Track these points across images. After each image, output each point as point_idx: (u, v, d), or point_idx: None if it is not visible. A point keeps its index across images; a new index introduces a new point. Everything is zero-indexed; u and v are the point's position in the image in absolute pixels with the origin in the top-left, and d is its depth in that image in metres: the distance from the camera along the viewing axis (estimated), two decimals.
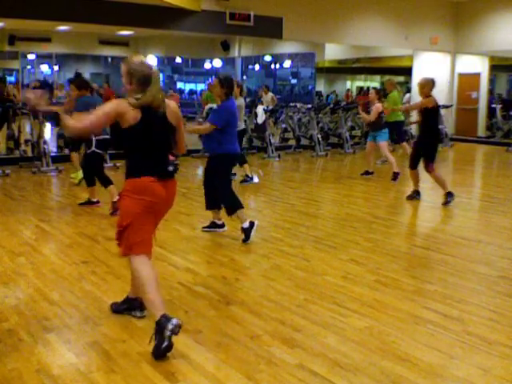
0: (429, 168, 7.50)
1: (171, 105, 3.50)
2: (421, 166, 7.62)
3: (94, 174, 6.93)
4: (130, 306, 3.82)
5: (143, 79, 3.27)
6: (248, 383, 3.00)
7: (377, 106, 9.34)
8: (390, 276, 4.74)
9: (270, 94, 16.74)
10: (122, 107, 3.26)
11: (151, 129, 3.33)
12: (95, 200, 7.12)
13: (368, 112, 9.63)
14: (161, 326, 3.18)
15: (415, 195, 7.88)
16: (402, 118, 11.22)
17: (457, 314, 3.95)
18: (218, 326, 3.70)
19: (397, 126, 10.63)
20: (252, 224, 5.64)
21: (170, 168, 3.45)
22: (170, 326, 3.16)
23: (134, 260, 3.39)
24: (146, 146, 3.36)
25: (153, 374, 3.07)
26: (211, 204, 5.88)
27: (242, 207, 5.70)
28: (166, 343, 3.16)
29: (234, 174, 8.21)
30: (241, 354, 3.31)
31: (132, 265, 3.44)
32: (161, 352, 3.17)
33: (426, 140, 7.51)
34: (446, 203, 7.46)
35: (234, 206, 5.67)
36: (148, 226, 3.41)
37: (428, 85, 7.39)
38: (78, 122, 3.30)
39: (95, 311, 3.90)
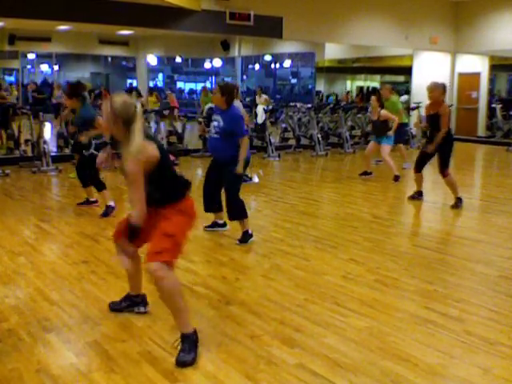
0: (445, 173, 7.37)
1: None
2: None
3: (88, 177, 6.88)
4: (132, 303, 3.83)
5: (128, 119, 3.18)
6: (248, 383, 3.00)
7: (385, 114, 9.28)
8: (389, 276, 4.74)
9: (264, 96, 16.87)
10: (151, 155, 3.20)
11: (165, 154, 3.36)
12: (93, 199, 7.12)
13: (371, 122, 9.46)
14: (194, 339, 3.25)
15: (417, 196, 7.85)
16: (406, 120, 11.23)
17: (457, 314, 3.95)
18: (218, 326, 3.70)
19: (399, 128, 10.57)
20: (251, 235, 5.66)
21: (188, 183, 3.49)
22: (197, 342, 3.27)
23: (163, 267, 3.23)
24: (172, 171, 3.41)
25: (153, 373, 3.07)
26: (211, 207, 5.85)
27: (247, 217, 5.69)
28: (194, 356, 3.21)
29: None
30: (241, 353, 3.31)
31: (160, 272, 3.23)
32: (190, 363, 3.18)
33: (441, 145, 7.29)
34: (455, 206, 7.37)
35: (241, 214, 5.65)
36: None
37: (438, 90, 7.22)
38: (136, 217, 3.20)
39: (95, 311, 3.91)
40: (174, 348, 3.26)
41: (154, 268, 3.18)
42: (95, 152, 6.70)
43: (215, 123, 5.54)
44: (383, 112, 9.28)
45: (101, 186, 6.81)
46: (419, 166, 7.65)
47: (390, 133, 9.28)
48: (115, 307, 3.88)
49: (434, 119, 7.28)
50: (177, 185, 3.41)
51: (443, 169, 7.38)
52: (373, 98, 9.63)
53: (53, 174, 9.68)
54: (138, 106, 3.26)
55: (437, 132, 7.26)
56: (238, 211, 5.64)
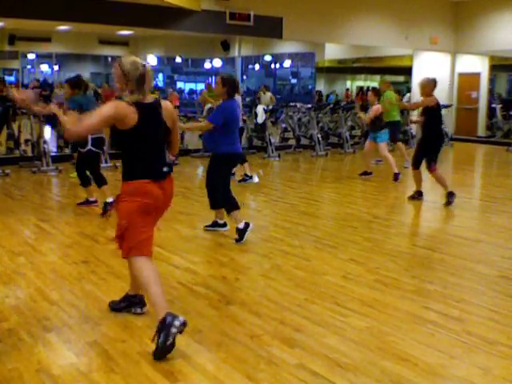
0: (431, 168, 7.49)
1: (168, 106, 3.51)
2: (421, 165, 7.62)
3: (90, 172, 6.94)
4: (130, 303, 3.83)
5: (139, 79, 3.26)
6: (248, 383, 3.00)
7: (376, 107, 9.35)
8: (390, 276, 4.74)
9: (269, 94, 16.74)
10: (121, 110, 3.24)
11: (148, 130, 3.33)
12: (93, 199, 7.12)
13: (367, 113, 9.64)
14: (166, 323, 3.16)
15: (417, 196, 7.86)
16: (398, 118, 11.12)
17: (457, 313, 3.95)
18: (218, 325, 3.70)
19: (392, 127, 10.56)
20: (247, 225, 5.65)
21: (165, 169, 3.43)
22: (176, 323, 3.16)
23: (135, 261, 3.39)
24: (142, 147, 3.36)
25: (153, 373, 3.07)
26: (217, 203, 5.88)
27: (238, 208, 5.70)
28: (170, 340, 3.14)
29: (233, 173, 8.21)
30: (241, 353, 3.31)
31: (132, 266, 3.45)
32: (165, 349, 3.15)
33: (428, 140, 7.51)
34: (448, 203, 7.43)
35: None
36: (146, 227, 3.41)
37: (429, 85, 7.37)
38: (74, 125, 3.29)
39: (95, 311, 3.90)
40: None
41: (131, 262, 3.44)
42: (93, 148, 6.73)
43: None
44: (377, 106, 9.33)
45: (102, 182, 6.84)
46: (416, 162, 7.70)
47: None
48: (115, 307, 3.88)
49: (426, 112, 7.45)
50: (139, 164, 3.36)
51: (430, 164, 7.49)
52: (370, 93, 9.76)
53: (53, 174, 9.68)
54: (147, 64, 3.32)
55: (428, 126, 7.46)
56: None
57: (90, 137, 6.60)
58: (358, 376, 3.08)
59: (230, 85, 5.57)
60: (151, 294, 3.32)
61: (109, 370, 3.10)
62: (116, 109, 3.24)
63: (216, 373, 3.10)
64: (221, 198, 5.76)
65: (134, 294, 3.83)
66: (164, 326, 3.16)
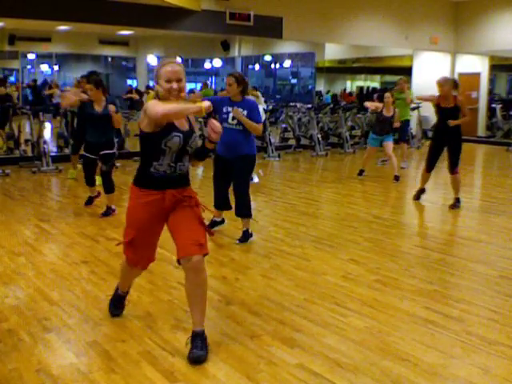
0: (454, 170, 7.33)
1: None
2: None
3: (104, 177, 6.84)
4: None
5: None
6: (248, 383, 3.00)
7: (375, 105, 9.40)
8: (390, 276, 4.74)
9: (254, 94, 16.97)
10: (153, 110, 3.17)
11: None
12: (95, 194, 7.10)
13: (383, 118, 9.38)
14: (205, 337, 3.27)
15: (420, 193, 7.80)
16: (409, 117, 11.23)
17: (457, 314, 3.95)
18: (218, 325, 3.70)
19: (403, 125, 10.55)
20: (251, 235, 5.69)
21: None
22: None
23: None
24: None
25: (153, 373, 3.07)
26: (224, 204, 5.87)
27: (251, 216, 5.73)
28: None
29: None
30: (241, 353, 3.31)
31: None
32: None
33: (453, 141, 7.31)
34: (453, 206, 7.37)
35: (250, 211, 5.68)
36: None
37: (447, 84, 7.19)
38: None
39: (95, 311, 3.90)
40: (185, 346, 3.27)
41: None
42: (116, 151, 6.76)
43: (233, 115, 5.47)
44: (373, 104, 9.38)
45: (111, 189, 6.71)
46: (431, 165, 7.54)
47: (396, 124, 9.29)
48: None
49: (449, 112, 7.21)
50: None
51: (453, 166, 7.33)
52: (387, 94, 9.53)
53: (53, 174, 9.68)
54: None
55: (453, 127, 7.20)
56: (248, 208, 5.67)
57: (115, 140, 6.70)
58: (358, 376, 3.08)
59: (244, 84, 5.48)
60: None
61: (109, 370, 3.10)
62: (154, 106, 3.20)
63: (216, 373, 3.10)
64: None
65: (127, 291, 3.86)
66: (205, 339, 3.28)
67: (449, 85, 7.23)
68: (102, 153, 6.56)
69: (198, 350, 3.19)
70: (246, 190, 5.66)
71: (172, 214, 3.33)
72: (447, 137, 7.35)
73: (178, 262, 3.27)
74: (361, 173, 9.67)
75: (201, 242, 3.24)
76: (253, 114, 5.46)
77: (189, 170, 3.41)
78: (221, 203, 5.88)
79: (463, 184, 7.75)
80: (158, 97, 3.27)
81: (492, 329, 3.72)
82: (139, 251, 3.43)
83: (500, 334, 3.63)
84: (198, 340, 3.23)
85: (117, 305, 3.81)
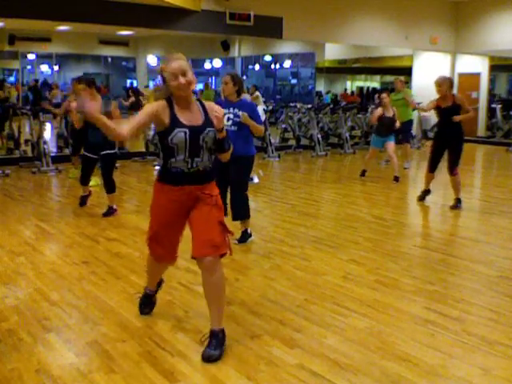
0: (454, 171, 7.32)
1: None
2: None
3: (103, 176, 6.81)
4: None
5: None
6: (248, 383, 3.00)
7: (378, 112, 9.32)
8: (389, 276, 4.74)
9: (257, 93, 17.03)
10: (153, 107, 3.29)
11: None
12: (86, 194, 7.10)
13: (387, 119, 9.29)
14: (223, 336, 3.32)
15: (426, 194, 7.76)
16: (411, 117, 11.21)
17: (457, 314, 3.95)
18: None
19: (406, 125, 10.53)
20: (251, 235, 5.68)
21: None
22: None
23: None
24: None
25: (153, 373, 3.07)
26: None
27: (250, 216, 5.70)
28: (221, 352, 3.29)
29: None
30: (241, 354, 3.31)
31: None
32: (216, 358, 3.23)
33: (454, 142, 7.30)
34: (454, 207, 7.36)
35: (247, 212, 5.64)
36: None
37: (445, 83, 7.21)
38: (118, 128, 3.16)
39: (95, 311, 3.90)
40: (201, 342, 3.30)
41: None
42: (117, 151, 6.72)
43: (230, 115, 5.40)
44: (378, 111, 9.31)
45: (112, 189, 6.70)
46: (434, 166, 7.52)
47: (397, 124, 9.27)
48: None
49: (449, 112, 7.21)
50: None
51: (453, 166, 7.32)
52: (384, 95, 9.46)
53: (53, 174, 9.68)
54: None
55: (453, 127, 7.24)
56: (245, 210, 5.61)
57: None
58: (358, 376, 3.08)
59: (240, 83, 5.46)
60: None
61: (109, 370, 3.10)
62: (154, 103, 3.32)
63: (216, 373, 3.10)
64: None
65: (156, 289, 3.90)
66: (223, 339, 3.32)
67: (446, 84, 7.26)
68: (102, 153, 6.55)
69: (211, 350, 3.22)
70: (243, 192, 5.61)
71: (192, 212, 3.34)
72: (449, 137, 7.36)
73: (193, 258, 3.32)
74: (363, 173, 9.66)
75: (215, 243, 3.23)
76: (253, 116, 5.46)
77: (210, 166, 3.35)
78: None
79: (463, 184, 7.74)
80: (165, 95, 3.30)
81: (492, 329, 3.72)
82: (161, 246, 3.47)
83: (500, 334, 3.63)
84: (213, 339, 3.26)
85: (147, 303, 3.85)
